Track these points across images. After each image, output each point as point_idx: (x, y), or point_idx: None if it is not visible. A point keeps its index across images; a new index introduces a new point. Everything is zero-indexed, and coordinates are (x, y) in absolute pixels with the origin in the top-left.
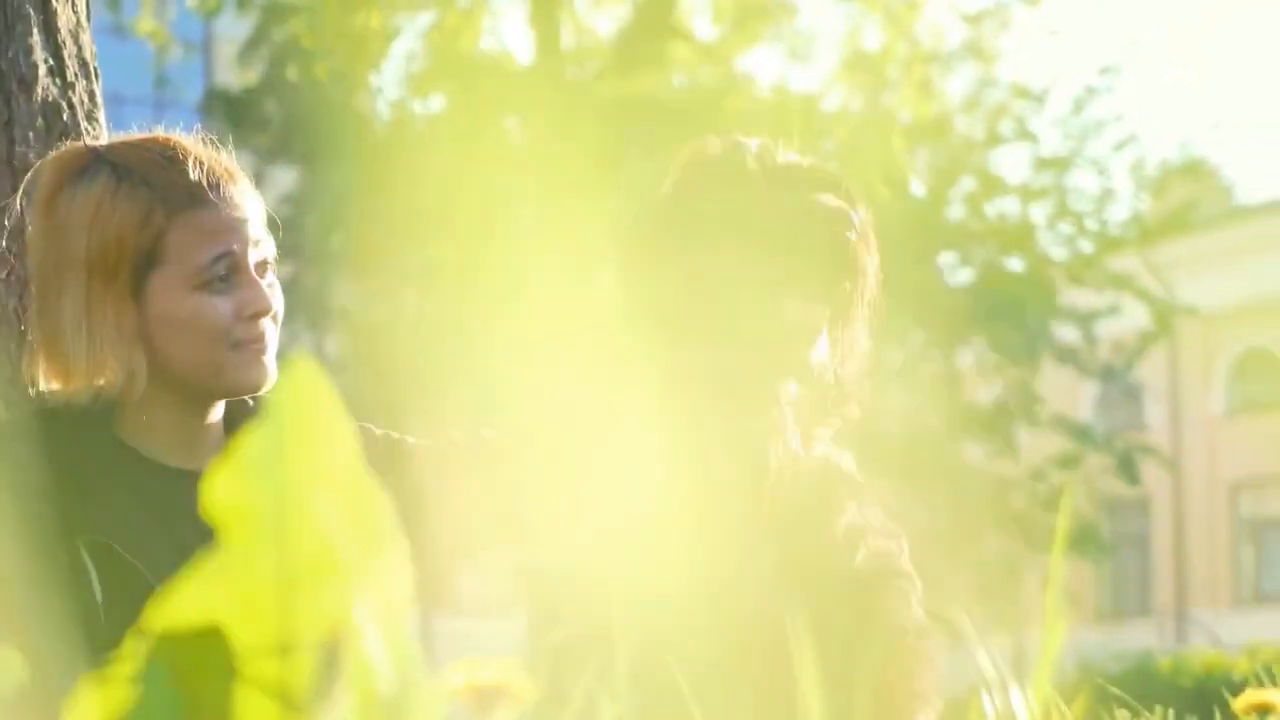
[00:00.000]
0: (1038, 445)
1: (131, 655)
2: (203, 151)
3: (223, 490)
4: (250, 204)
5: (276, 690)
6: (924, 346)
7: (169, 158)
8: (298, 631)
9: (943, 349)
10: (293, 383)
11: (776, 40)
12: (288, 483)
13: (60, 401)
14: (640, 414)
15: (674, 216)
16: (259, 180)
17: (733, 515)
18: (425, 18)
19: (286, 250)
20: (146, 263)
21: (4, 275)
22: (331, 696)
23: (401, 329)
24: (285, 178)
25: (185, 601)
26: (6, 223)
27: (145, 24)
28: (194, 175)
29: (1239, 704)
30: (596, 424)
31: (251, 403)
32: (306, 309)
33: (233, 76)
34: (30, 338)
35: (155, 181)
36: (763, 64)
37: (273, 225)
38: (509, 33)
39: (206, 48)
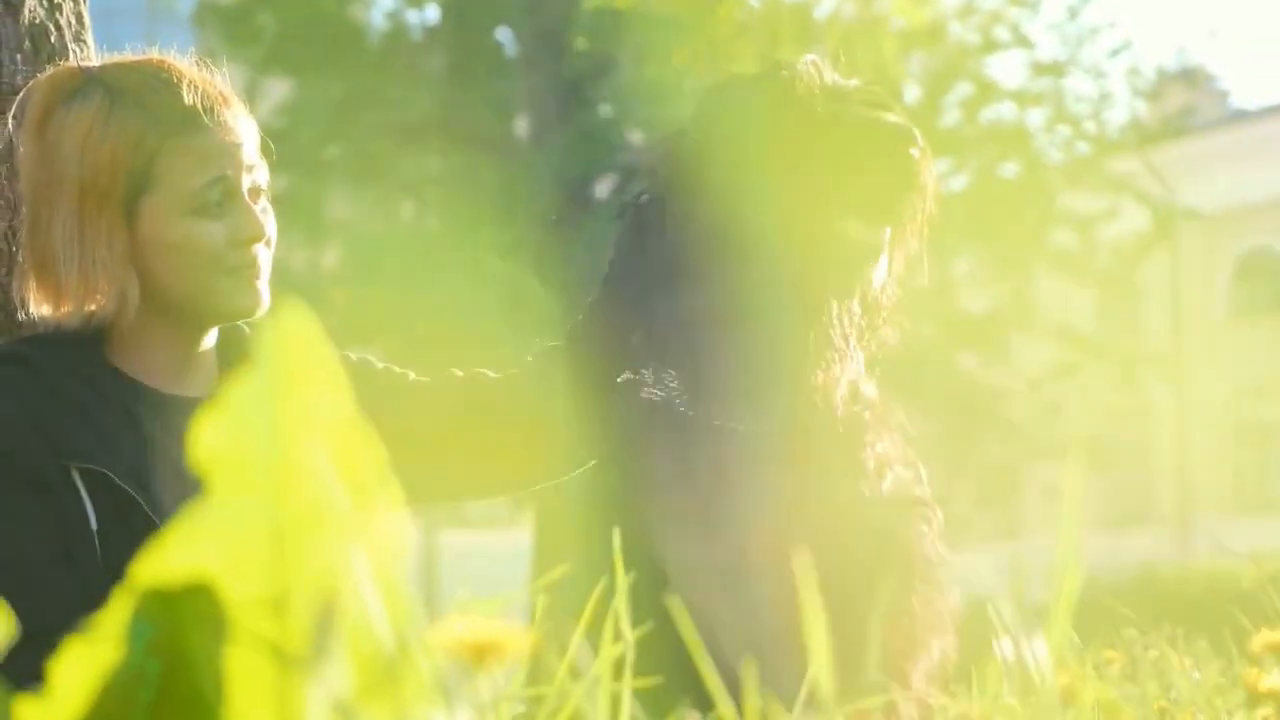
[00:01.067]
0: (1037, 353)
1: (119, 610)
2: (197, 75)
3: (212, 439)
4: (244, 128)
5: (270, 646)
6: (918, 255)
7: (163, 81)
8: (291, 585)
9: (937, 257)
10: (283, 329)
11: None
12: (279, 431)
13: (52, 326)
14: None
15: (727, 139)
16: (253, 92)
17: (783, 440)
18: None
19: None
20: (139, 186)
21: None
22: (327, 652)
23: (398, 240)
24: (279, 89)
25: (174, 554)
26: None
27: None
28: (188, 99)
29: (1257, 644)
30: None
31: (245, 329)
32: (303, 222)
33: None
34: (21, 260)
35: (149, 105)
36: None
37: (266, 149)
38: None
39: None
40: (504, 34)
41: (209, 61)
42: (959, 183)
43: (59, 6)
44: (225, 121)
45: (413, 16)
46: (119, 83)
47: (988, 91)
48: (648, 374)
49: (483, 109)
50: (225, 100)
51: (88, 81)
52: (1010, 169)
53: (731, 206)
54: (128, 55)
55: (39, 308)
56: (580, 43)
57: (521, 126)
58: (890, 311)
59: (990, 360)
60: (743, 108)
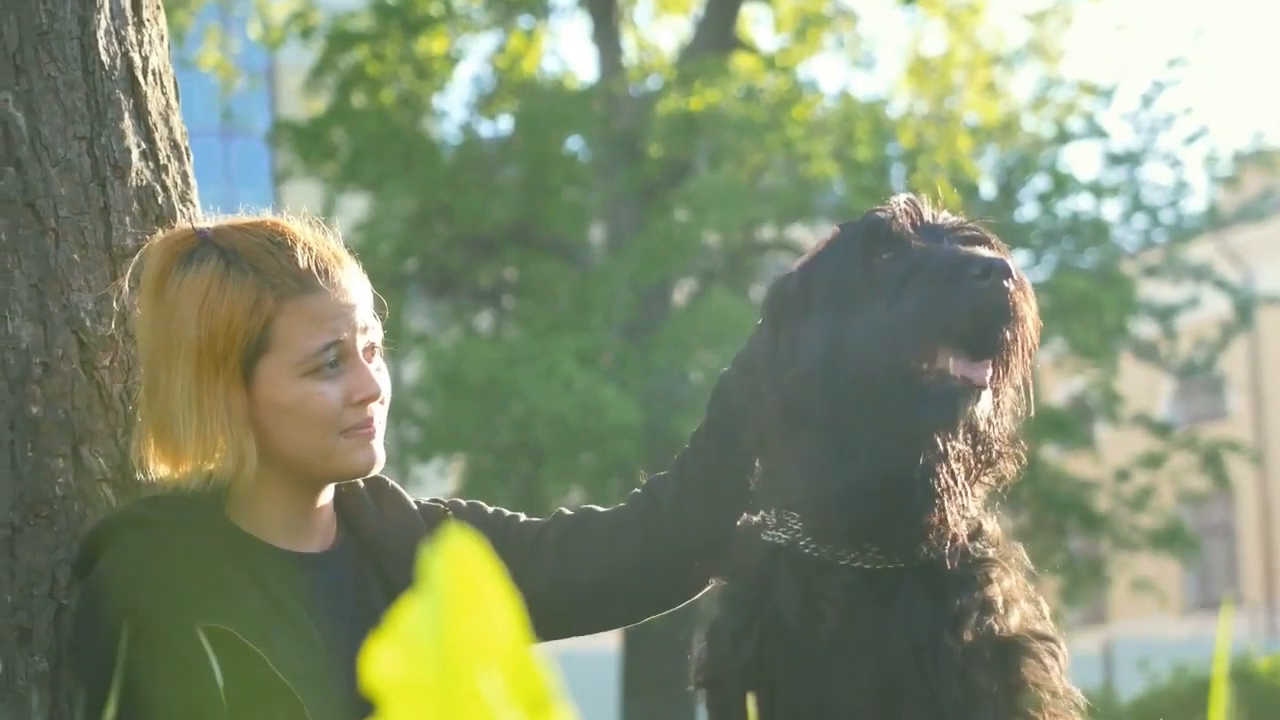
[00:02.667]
0: (1121, 443)
1: None
2: (310, 235)
3: (384, 663)
4: (358, 287)
5: None
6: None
7: (277, 243)
8: None
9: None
10: (449, 553)
11: (839, 48)
12: (449, 655)
13: (171, 487)
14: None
15: (825, 273)
16: (329, 209)
17: (900, 575)
18: (489, 40)
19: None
20: (256, 349)
21: (109, 360)
22: None
23: (477, 351)
24: (355, 205)
25: None
26: (114, 306)
27: (210, 58)
28: (303, 261)
29: None
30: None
31: (361, 485)
32: (384, 335)
33: (299, 106)
34: (139, 421)
35: (264, 267)
36: (826, 72)
37: (379, 306)
38: (572, 51)
39: (271, 78)
40: (576, 142)
41: (321, 222)
42: (1037, 275)
43: (165, 168)
44: (339, 283)
45: (486, 129)
46: (234, 245)
47: (1063, 183)
48: (769, 517)
49: (557, 218)
50: (339, 260)
51: (202, 244)
52: (1088, 259)
53: (837, 347)
54: (241, 216)
55: (157, 468)
56: (654, 148)
57: (597, 234)
58: (1004, 446)
59: (1074, 451)
60: (847, 245)
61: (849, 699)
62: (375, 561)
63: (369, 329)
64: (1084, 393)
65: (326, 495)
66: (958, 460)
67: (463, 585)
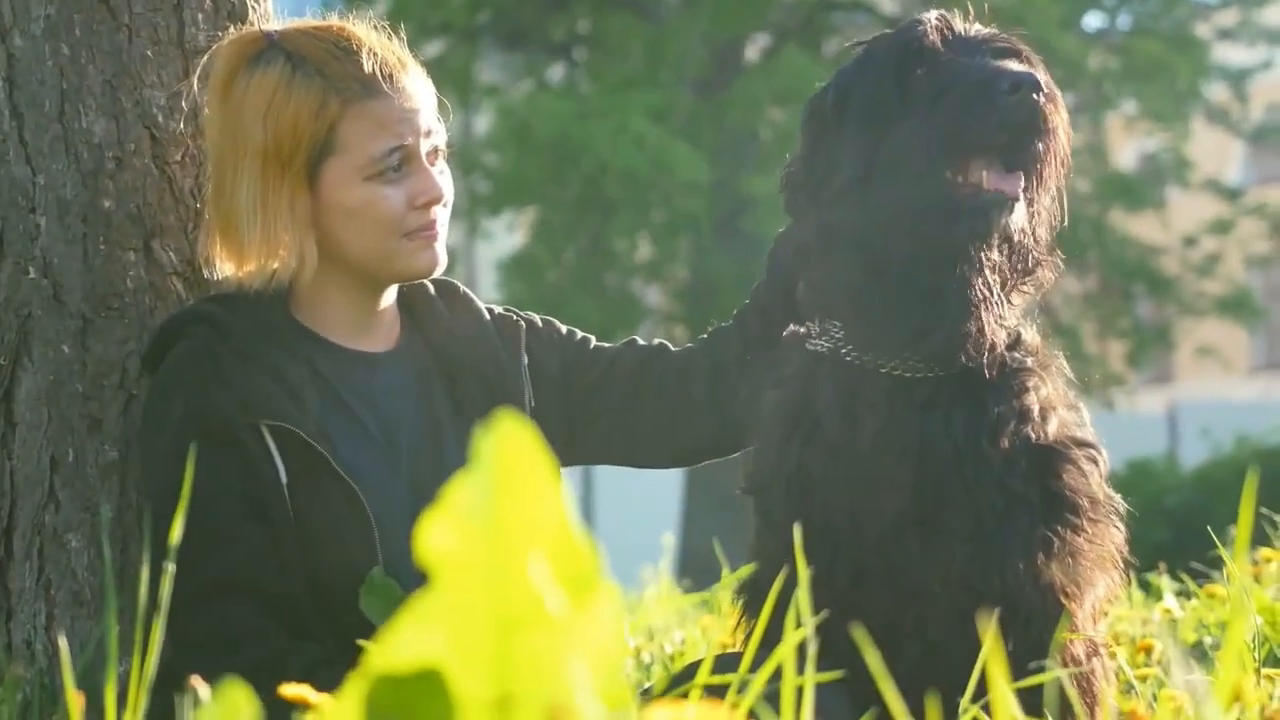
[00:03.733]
0: (1190, 208)
1: (351, 695)
2: (376, 41)
3: (436, 538)
4: (422, 92)
5: None
6: (1073, 111)
7: (343, 48)
8: (515, 684)
9: (1091, 113)
10: (501, 438)
11: None
12: (499, 533)
13: (236, 284)
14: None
15: (859, 91)
16: None
17: (939, 383)
18: None
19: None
20: (320, 151)
21: (180, 156)
22: None
23: (548, 105)
24: None
25: (404, 645)
26: (184, 104)
27: None
28: (368, 66)
29: None
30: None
31: (431, 288)
32: (454, 88)
33: None
34: (206, 217)
35: (329, 72)
36: None
37: (443, 109)
38: None
39: None
40: None
41: (387, 26)
42: (1113, 36)
43: None
44: (404, 87)
45: None
46: (300, 49)
47: None
48: (813, 327)
49: None
50: (403, 65)
51: (270, 47)
52: (1162, 22)
53: (870, 164)
54: (308, 20)
55: (222, 265)
56: None
57: None
58: (1042, 255)
59: (1142, 213)
60: (880, 62)
61: (888, 503)
62: (442, 365)
63: (432, 133)
64: (1154, 156)
65: (389, 296)
66: (993, 271)
67: (513, 467)
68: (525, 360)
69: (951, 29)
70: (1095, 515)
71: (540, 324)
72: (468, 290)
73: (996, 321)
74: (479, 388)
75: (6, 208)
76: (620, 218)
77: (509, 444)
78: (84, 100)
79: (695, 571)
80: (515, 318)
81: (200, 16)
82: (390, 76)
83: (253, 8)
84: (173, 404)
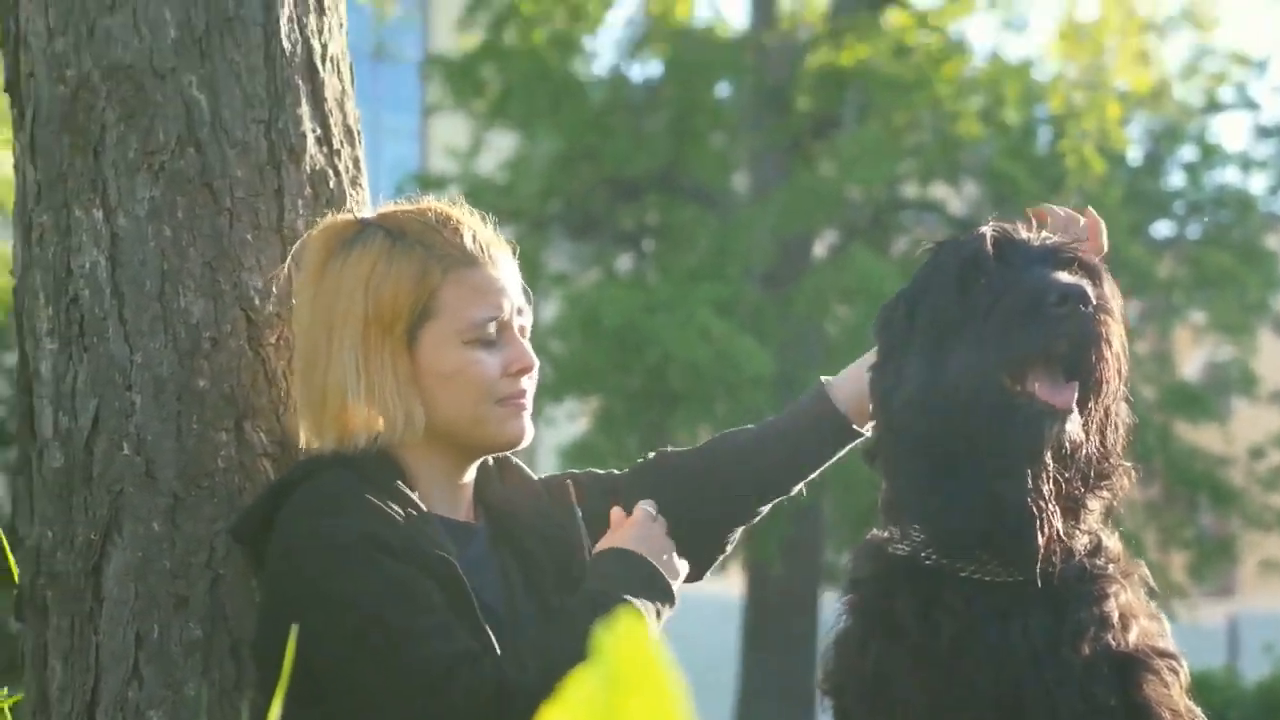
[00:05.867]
0: (1257, 420)
1: None
2: (472, 219)
3: None
4: (514, 272)
5: None
6: (1139, 319)
7: (442, 222)
8: None
9: (1158, 321)
10: (620, 633)
11: (991, 9)
12: None
13: (334, 450)
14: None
15: (925, 302)
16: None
17: (1018, 588)
18: None
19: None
20: (421, 315)
21: (274, 338)
22: None
23: (616, 294)
24: (503, 142)
25: None
26: (274, 289)
27: None
28: (468, 239)
29: None
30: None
31: (492, 468)
32: (523, 274)
33: (451, 39)
34: (294, 398)
35: (429, 241)
36: (978, 32)
37: (527, 296)
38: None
39: (425, 10)
40: (725, 90)
41: (483, 215)
42: (1180, 247)
43: (338, 153)
44: (499, 262)
45: (635, 73)
46: (399, 225)
47: (1211, 154)
48: (894, 531)
49: (702, 165)
50: (500, 244)
51: (366, 228)
52: (1233, 233)
53: (934, 375)
54: (402, 204)
55: (309, 443)
56: (802, 101)
57: (741, 183)
58: (1113, 463)
59: (1206, 426)
60: (943, 273)
61: (967, 707)
62: (504, 529)
63: (523, 311)
64: (1221, 366)
65: (473, 471)
66: (1050, 478)
67: (633, 665)
68: (579, 514)
69: (1012, 240)
70: None
71: (581, 475)
72: (516, 459)
73: (1068, 527)
74: (542, 548)
75: (104, 385)
76: (683, 410)
77: (629, 640)
78: (183, 281)
79: None
80: (561, 478)
81: (300, 203)
82: (487, 250)
83: (350, 195)
84: (336, 531)
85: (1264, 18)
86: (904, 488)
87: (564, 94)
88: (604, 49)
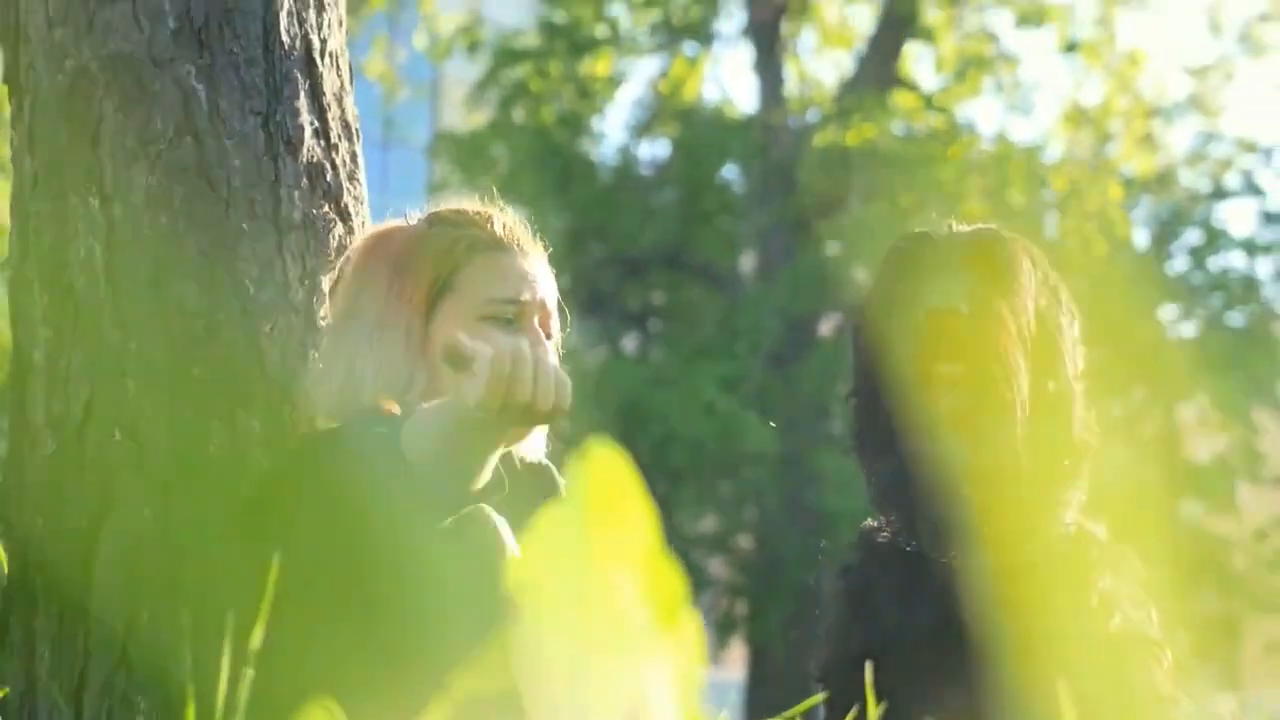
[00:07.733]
0: (1261, 502)
1: (436, 714)
2: (510, 217)
3: (526, 564)
4: (546, 273)
5: None
6: (1145, 401)
7: (478, 213)
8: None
9: (1164, 404)
10: (593, 464)
11: (997, 91)
12: (587, 560)
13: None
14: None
15: (882, 307)
16: None
17: (987, 579)
18: (651, 64)
19: None
20: (442, 288)
21: (269, 328)
22: None
23: (621, 370)
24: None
25: (487, 666)
26: (278, 276)
27: (375, 66)
28: (500, 229)
29: None
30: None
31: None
32: None
33: (459, 119)
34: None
35: (462, 225)
36: (984, 114)
37: (562, 314)
38: (733, 80)
39: (435, 89)
40: (732, 170)
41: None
42: (1186, 330)
43: (335, 146)
44: (530, 254)
45: (643, 152)
46: (438, 215)
47: (1216, 239)
48: (880, 520)
49: (709, 244)
50: (534, 243)
51: (406, 223)
52: (1237, 317)
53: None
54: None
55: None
56: (809, 180)
57: (748, 262)
58: (1080, 450)
59: (1215, 509)
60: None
61: (947, 691)
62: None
63: (550, 313)
64: (1226, 450)
65: None
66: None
67: (604, 494)
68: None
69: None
70: (1159, 714)
71: None
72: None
73: (1035, 512)
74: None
75: (97, 372)
76: (685, 486)
77: (600, 470)
78: (178, 270)
79: None
80: (545, 464)
81: (296, 194)
82: (518, 241)
83: (347, 188)
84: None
85: (1271, 104)
86: (879, 477)
87: (572, 172)
88: (612, 129)
